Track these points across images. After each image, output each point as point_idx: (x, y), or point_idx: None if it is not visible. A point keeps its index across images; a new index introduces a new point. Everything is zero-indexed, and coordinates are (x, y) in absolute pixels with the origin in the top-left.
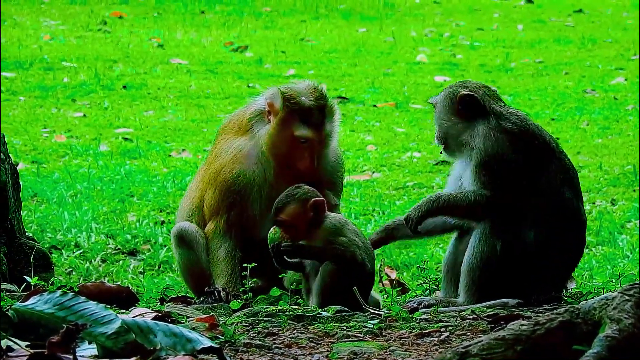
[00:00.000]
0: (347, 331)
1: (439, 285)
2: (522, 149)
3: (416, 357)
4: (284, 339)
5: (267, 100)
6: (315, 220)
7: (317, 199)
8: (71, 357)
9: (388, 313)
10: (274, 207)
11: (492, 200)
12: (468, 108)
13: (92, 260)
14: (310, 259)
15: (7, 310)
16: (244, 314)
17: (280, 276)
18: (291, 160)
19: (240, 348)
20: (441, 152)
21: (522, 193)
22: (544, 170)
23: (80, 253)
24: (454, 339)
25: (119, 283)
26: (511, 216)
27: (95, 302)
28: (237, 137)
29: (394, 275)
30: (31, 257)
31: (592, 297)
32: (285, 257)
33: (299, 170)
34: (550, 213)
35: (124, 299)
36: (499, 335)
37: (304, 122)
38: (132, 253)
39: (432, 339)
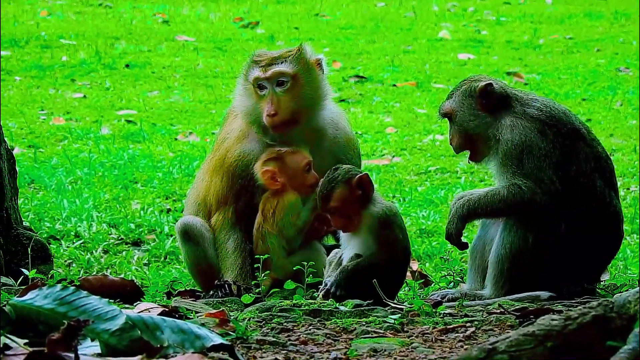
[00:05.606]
0: (367, 327)
1: (464, 277)
2: (549, 136)
3: (440, 354)
4: (299, 335)
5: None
6: (365, 198)
7: (360, 174)
8: (73, 355)
9: (410, 307)
10: (319, 198)
11: (528, 190)
12: (490, 99)
13: (94, 251)
14: (366, 276)
15: (4, 305)
16: (257, 309)
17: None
18: (259, 117)
19: (253, 345)
20: (469, 161)
21: (554, 183)
22: (573, 158)
23: (81, 244)
24: (480, 335)
25: (122, 276)
26: (547, 207)
27: (98, 297)
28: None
29: (415, 266)
30: (29, 249)
31: (627, 290)
32: (338, 291)
33: (268, 128)
34: (582, 203)
35: (128, 293)
36: (528, 331)
37: (256, 66)
38: (136, 243)
39: (456, 334)
